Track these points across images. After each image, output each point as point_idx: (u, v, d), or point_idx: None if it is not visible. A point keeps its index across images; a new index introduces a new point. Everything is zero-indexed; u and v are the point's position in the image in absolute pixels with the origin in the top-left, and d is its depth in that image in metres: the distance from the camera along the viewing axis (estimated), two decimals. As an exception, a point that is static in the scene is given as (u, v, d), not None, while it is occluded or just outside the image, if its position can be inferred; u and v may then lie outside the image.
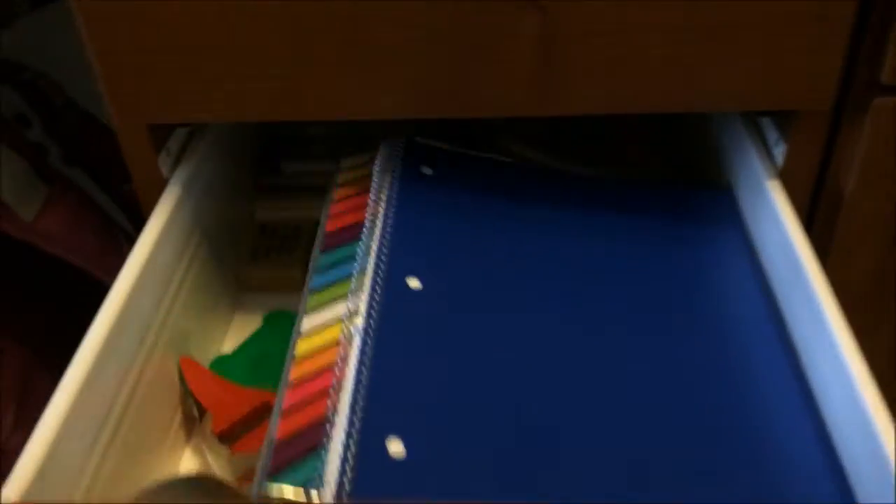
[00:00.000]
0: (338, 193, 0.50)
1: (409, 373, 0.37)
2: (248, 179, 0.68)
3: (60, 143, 0.62)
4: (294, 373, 0.37)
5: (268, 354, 0.55)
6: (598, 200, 0.50)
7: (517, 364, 0.39)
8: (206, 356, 0.55)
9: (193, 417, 0.51)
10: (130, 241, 0.57)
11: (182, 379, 0.50)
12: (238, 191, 0.66)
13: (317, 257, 0.45)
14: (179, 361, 0.50)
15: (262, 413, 0.47)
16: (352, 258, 0.43)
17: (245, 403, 0.47)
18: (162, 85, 0.48)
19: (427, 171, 0.49)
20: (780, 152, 0.52)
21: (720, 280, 0.46)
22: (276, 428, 0.34)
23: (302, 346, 0.38)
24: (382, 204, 0.47)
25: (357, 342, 0.38)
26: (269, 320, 0.59)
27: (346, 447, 0.35)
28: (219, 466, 0.48)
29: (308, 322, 0.40)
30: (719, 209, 0.53)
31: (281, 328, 0.56)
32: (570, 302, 0.43)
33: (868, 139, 0.50)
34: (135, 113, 0.50)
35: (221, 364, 0.55)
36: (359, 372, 0.36)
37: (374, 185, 0.49)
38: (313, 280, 0.43)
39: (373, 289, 0.40)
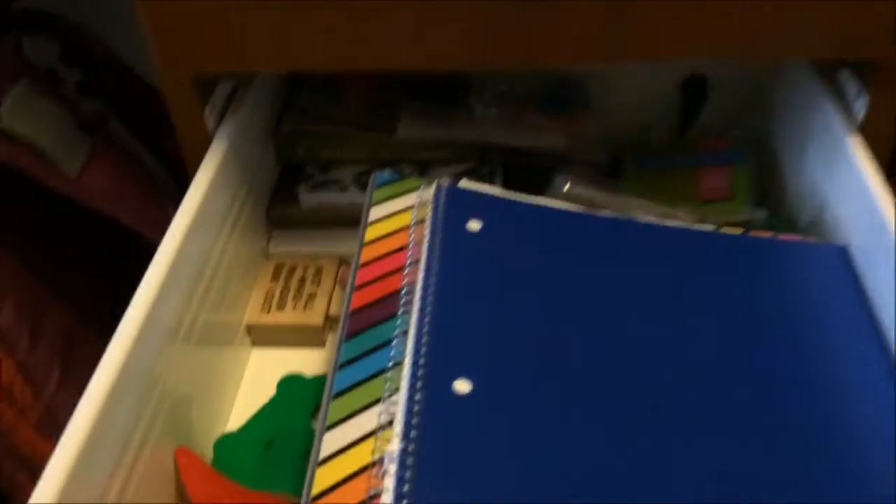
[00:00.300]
0: (364, 254, 0.43)
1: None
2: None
3: (100, 98, 0.60)
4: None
5: (283, 435, 0.47)
6: (684, 258, 0.44)
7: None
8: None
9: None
10: (173, 198, 0.55)
11: (177, 475, 0.41)
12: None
13: (339, 347, 0.38)
14: (176, 453, 0.42)
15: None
16: (385, 346, 0.37)
17: None
18: (210, 32, 0.46)
19: (475, 225, 0.43)
20: (860, 105, 0.50)
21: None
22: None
23: (322, 479, 0.32)
24: (421, 275, 0.40)
25: (393, 471, 0.32)
26: (284, 387, 0.51)
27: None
28: None
29: (330, 442, 0.33)
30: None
31: (298, 399, 0.49)
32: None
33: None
34: (181, 62, 0.48)
35: (227, 446, 0.47)
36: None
37: (410, 247, 0.42)
38: (336, 381, 0.36)
39: (410, 394, 0.34)
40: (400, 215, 0.46)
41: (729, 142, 0.63)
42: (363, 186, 0.61)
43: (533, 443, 0.34)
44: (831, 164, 0.51)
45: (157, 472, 0.40)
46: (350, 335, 0.39)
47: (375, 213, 0.46)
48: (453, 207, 0.44)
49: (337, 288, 0.58)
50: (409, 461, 0.32)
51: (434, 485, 0.32)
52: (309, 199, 0.61)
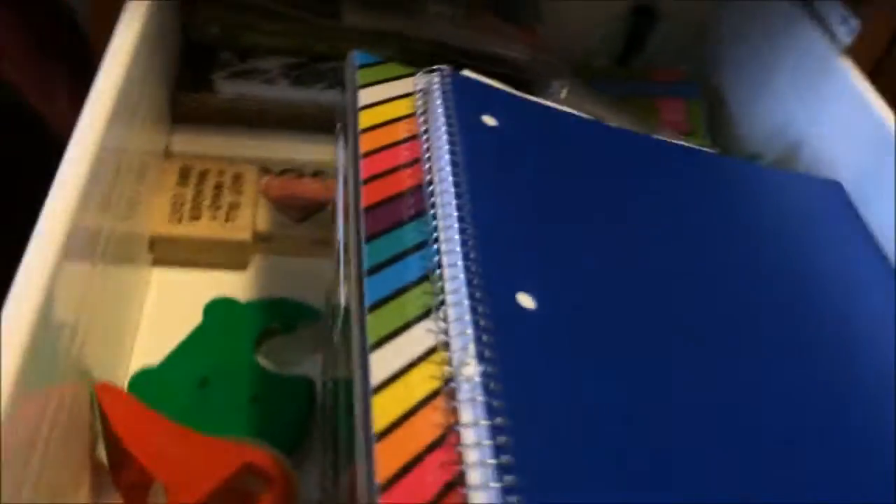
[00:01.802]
0: (364, 142, 0.34)
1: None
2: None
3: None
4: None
5: (220, 371, 0.37)
6: (697, 178, 0.40)
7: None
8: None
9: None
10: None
11: (101, 416, 0.31)
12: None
13: (358, 249, 0.29)
14: (95, 389, 0.32)
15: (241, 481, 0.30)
16: (416, 252, 0.29)
17: (217, 467, 0.29)
18: None
19: (490, 121, 0.36)
20: (845, 31, 0.48)
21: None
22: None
23: (383, 411, 0.24)
24: (445, 170, 0.32)
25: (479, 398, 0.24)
26: (213, 314, 0.41)
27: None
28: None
29: (380, 366, 0.25)
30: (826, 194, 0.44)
31: (233, 328, 0.40)
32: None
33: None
34: None
35: (146, 384, 0.36)
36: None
37: (424, 134, 0.34)
38: (368, 290, 0.28)
39: (473, 308, 0.26)
40: (398, 102, 0.37)
41: (682, 73, 0.60)
42: (295, 81, 0.51)
43: (604, 360, 0.28)
44: (812, 96, 0.49)
45: (67, 418, 0.30)
46: (371, 236, 0.30)
47: (366, 96, 0.37)
48: (465, 99, 0.36)
49: (261, 199, 0.47)
50: (493, 386, 0.25)
51: (526, 410, 0.25)
52: (228, 87, 0.49)
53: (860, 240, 0.42)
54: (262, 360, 0.39)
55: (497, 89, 0.38)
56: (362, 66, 0.39)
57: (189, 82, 0.49)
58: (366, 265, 0.29)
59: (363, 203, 0.32)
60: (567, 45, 0.60)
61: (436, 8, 0.53)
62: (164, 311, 0.43)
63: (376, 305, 0.27)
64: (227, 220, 0.45)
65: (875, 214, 0.42)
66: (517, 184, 0.34)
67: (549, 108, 0.40)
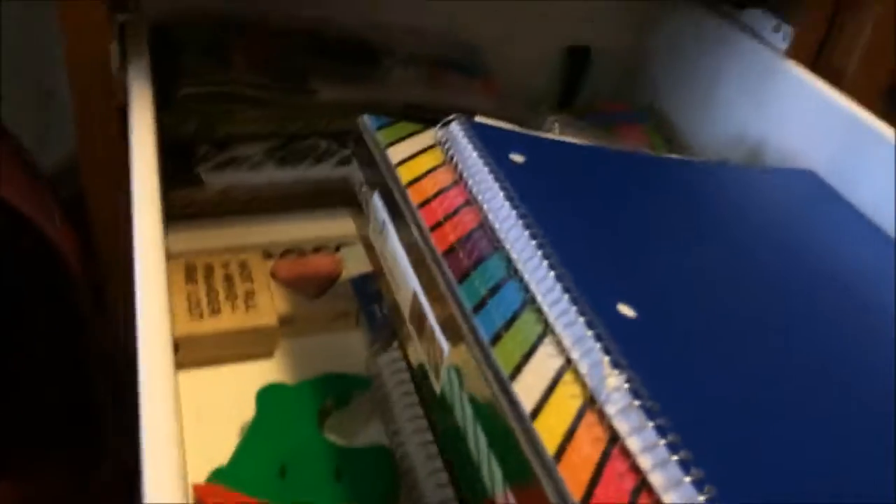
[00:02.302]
0: (414, 194, 0.35)
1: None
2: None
3: None
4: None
5: (296, 456, 0.36)
6: (705, 187, 0.42)
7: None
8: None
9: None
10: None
11: None
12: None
13: (454, 291, 0.30)
14: (195, 489, 0.32)
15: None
16: (505, 285, 0.30)
17: None
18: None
19: (518, 158, 0.37)
20: (780, 38, 0.53)
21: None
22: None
23: (548, 436, 0.24)
24: (498, 206, 0.32)
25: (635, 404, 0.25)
26: (266, 402, 0.39)
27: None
28: None
29: (527, 394, 0.25)
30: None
31: (290, 411, 0.39)
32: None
33: (874, 17, 0.52)
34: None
35: (229, 483, 0.34)
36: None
37: (465, 177, 0.35)
38: (482, 327, 0.28)
39: (588, 325, 0.27)
40: (427, 154, 0.38)
41: (627, 104, 0.64)
42: (280, 163, 0.51)
43: (709, 352, 0.29)
44: (765, 98, 0.53)
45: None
46: (461, 277, 0.30)
47: (396, 153, 0.37)
48: (489, 141, 0.37)
49: (272, 283, 0.47)
50: (641, 391, 0.25)
51: (678, 408, 0.25)
52: (215, 179, 0.49)
53: (851, 216, 0.45)
54: (331, 437, 0.38)
55: (511, 130, 0.40)
56: (379, 128, 0.39)
57: (175, 180, 0.48)
58: (469, 305, 0.29)
59: (439, 249, 0.32)
60: (512, 92, 0.63)
61: (399, 73, 0.54)
62: (203, 411, 0.41)
63: (496, 339, 0.28)
64: (247, 309, 0.44)
65: (855, 192, 0.46)
66: (568, 209, 0.35)
67: (561, 141, 0.41)
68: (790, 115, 0.51)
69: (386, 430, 0.40)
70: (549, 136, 0.42)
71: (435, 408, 0.32)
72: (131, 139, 0.37)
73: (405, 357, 0.43)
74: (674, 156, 0.45)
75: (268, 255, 0.49)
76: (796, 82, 0.50)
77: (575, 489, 0.23)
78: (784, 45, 0.52)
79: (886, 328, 0.35)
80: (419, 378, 0.41)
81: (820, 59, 0.56)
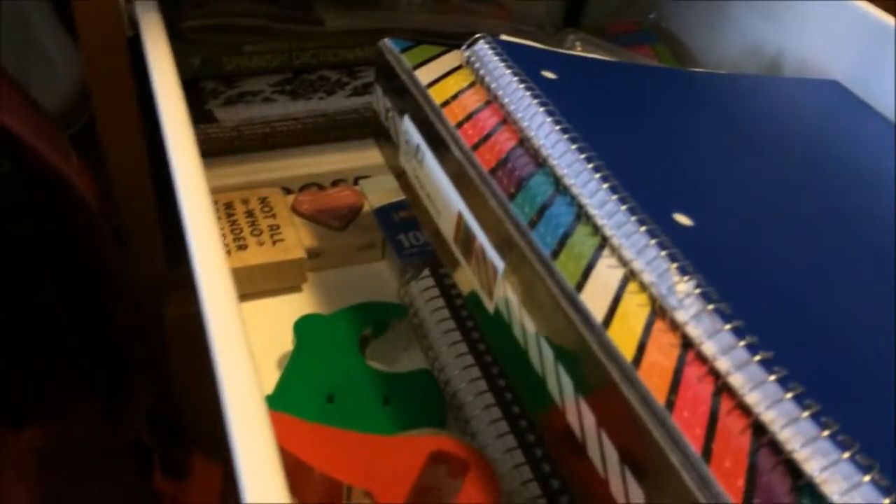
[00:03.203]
0: (449, 114, 0.34)
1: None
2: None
3: None
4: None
5: (342, 383, 0.36)
6: (736, 99, 0.41)
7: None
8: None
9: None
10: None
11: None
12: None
13: (508, 207, 0.30)
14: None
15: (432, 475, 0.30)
16: (555, 200, 0.29)
17: (410, 461, 0.29)
18: None
19: (549, 74, 0.36)
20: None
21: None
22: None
23: (624, 342, 0.24)
24: (539, 122, 0.32)
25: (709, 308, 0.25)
26: (304, 332, 0.39)
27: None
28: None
29: (595, 304, 0.25)
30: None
31: (331, 340, 0.38)
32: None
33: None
34: None
35: (278, 409, 0.34)
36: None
37: (500, 95, 0.34)
38: (541, 243, 0.28)
39: (650, 235, 0.27)
40: (456, 74, 0.37)
41: (637, 24, 0.62)
42: (292, 95, 0.49)
43: (769, 260, 0.29)
44: (779, 12, 0.52)
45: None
46: (511, 195, 0.30)
47: (424, 75, 0.36)
48: (518, 58, 0.36)
49: (294, 217, 0.46)
50: (712, 295, 0.25)
51: (748, 307, 0.25)
52: (228, 115, 0.47)
53: (879, 123, 0.45)
54: (373, 364, 0.38)
55: (539, 47, 0.39)
56: (402, 51, 0.38)
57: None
58: (524, 220, 0.29)
59: (484, 168, 0.31)
60: (514, 15, 0.62)
61: (407, -1, 0.53)
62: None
63: (556, 253, 0.27)
64: (273, 243, 0.43)
65: (879, 98, 0.46)
66: (606, 123, 0.34)
67: (588, 58, 0.40)
68: (807, 24, 0.50)
69: (426, 356, 0.40)
70: (575, 53, 0.41)
71: (488, 328, 0.32)
72: (151, 70, 0.35)
73: (438, 283, 0.42)
74: (700, 70, 0.44)
75: (287, 190, 0.48)
76: (814, -8, 0.49)
77: (657, 391, 0.23)
78: (798, -45, 0.51)
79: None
80: (458, 303, 0.41)
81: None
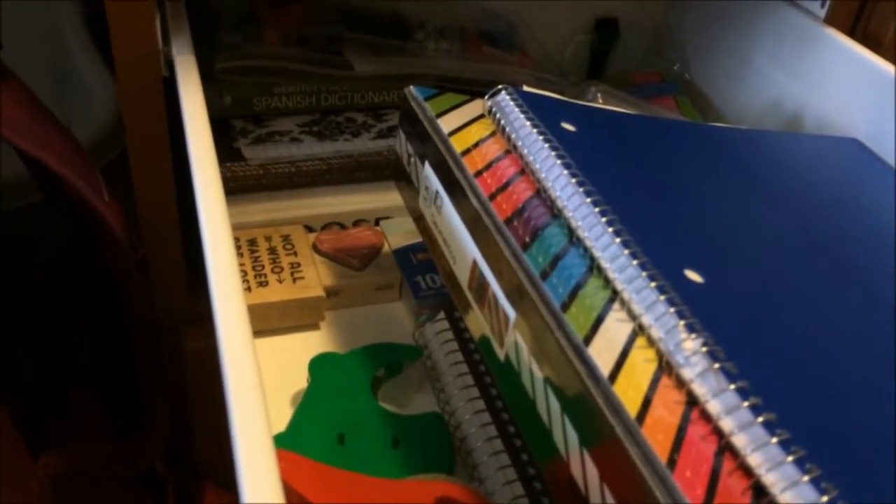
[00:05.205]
0: (469, 163, 0.35)
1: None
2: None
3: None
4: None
5: (352, 424, 0.37)
6: (748, 152, 0.42)
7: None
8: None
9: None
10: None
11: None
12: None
13: (521, 258, 0.30)
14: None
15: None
16: (569, 252, 0.30)
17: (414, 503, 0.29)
18: None
19: (569, 127, 0.36)
20: (816, 6, 0.52)
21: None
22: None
23: (628, 398, 0.25)
24: (556, 174, 0.32)
25: (714, 367, 0.25)
26: (319, 371, 0.39)
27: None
28: None
29: (602, 359, 0.26)
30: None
31: (344, 380, 0.39)
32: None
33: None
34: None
35: (288, 449, 0.34)
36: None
37: (519, 146, 0.34)
38: (552, 294, 0.28)
39: (659, 291, 0.27)
40: (477, 124, 0.37)
41: (660, 75, 0.63)
42: (318, 136, 0.51)
43: (778, 318, 0.29)
44: (802, 67, 0.53)
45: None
46: (525, 246, 0.30)
47: (447, 123, 0.37)
48: (539, 110, 0.37)
49: (316, 256, 0.47)
50: (718, 353, 0.25)
51: (754, 368, 0.25)
52: (256, 153, 0.48)
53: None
54: (385, 405, 0.38)
55: (560, 99, 0.40)
56: (426, 99, 0.39)
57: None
58: (536, 271, 0.29)
59: (500, 217, 0.32)
60: (541, 65, 0.63)
61: (433, 45, 0.54)
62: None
63: (566, 305, 0.28)
64: (294, 280, 0.44)
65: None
66: (624, 176, 0.35)
67: (608, 110, 0.41)
68: (830, 81, 0.51)
69: (438, 399, 0.40)
70: (597, 105, 0.42)
71: (498, 374, 0.33)
72: (184, 109, 0.37)
73: (453, 326, 0.43)
74: (720, 124, 0.44)
75: (309, 228, 0.49)
76: (836, 49, 0.50)
77: (660, 449, 0.23)
78: (822, 13, 0.52)
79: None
80: (472, 347, 0.42)
81: (857, 27, 0.55)
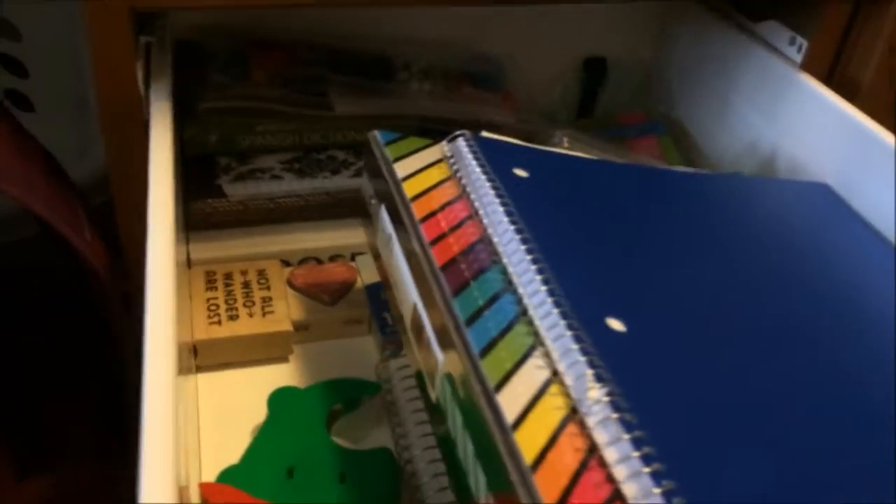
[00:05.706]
0: (417, 209, 0.36)
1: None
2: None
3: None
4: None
5: (304, 458, 0.38)
6: (707, 197, 0.43)
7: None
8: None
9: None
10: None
11: None
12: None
13: (448, 305, 0.31)
14: (201, 488, 0.33)
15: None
16: (500, 298, 0.31)
17: None
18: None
19: (521, 173, 0.38)
20: (793, 51, 0.53)
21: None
22: None
23: (528, 446, 0.26)
24: (499, 220, 0.34)
25: (614, 417, 0.26)
26: (277, 405, 0.41)
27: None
28: None
29: (510, 405, 0.27)
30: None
31: (301, 414, 0.40)
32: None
33: (889, 30, 0.52)
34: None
35: (238, 483, 0.36)
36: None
37: (469, 191, 0.36)
38: (473, 340, 0.29)
39: (575, 339, 0.28)
40: (433, 169, 0.39)
41: (644, 115, 0.64)
42: (299, 174, 0.52)
43: (696, 364, 0.30)
44: (777, 111, 0.53)
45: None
46: (456, 291, 0.32)
47: (402, 168, 0.39)
48: (493, 156, 0.39)
49: (289, 291, 0.48)
50: (621, 404, 0.26)
51: (655, 420, 0.26)
52: (237, 190, 0.51)
53: (861, 231, 0.45)
54: (338, 440, 0.40)
55: (517, 144, 0.41)
56: (388, 143, 0.41)
57: (197, 191, 0.50)
58: (462, 317, 0.30)
59: (437, 263, 0.33)
60: (530, 104, 0.64)
61: (416, 85, 0.56)
62: (220, 412, 0.43)
63: (485, 351, 0.29)
64: (264, 315, 0.46)
65: (863, 204, 0.46)
66: (567, 223, 0.36)
67: (565, 155, 0.42)
68: (803, 126, 0.51)
69: (393, 434, 0.41)
70: (557, 150, 0.43)
71: (433, 414, 0.34)
72: (150, 153, 0.38)
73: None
74: (681, 168, 0.45)
75: (286, 263, 0.51)
76: (809, 95, 0.50)
77: (549, 496, 0.24)
78: (799, 58, 0.53)
79: (886, 342, 0.35)
80: (423, 385, 0.43)
81: (835, 72, 0.56)
